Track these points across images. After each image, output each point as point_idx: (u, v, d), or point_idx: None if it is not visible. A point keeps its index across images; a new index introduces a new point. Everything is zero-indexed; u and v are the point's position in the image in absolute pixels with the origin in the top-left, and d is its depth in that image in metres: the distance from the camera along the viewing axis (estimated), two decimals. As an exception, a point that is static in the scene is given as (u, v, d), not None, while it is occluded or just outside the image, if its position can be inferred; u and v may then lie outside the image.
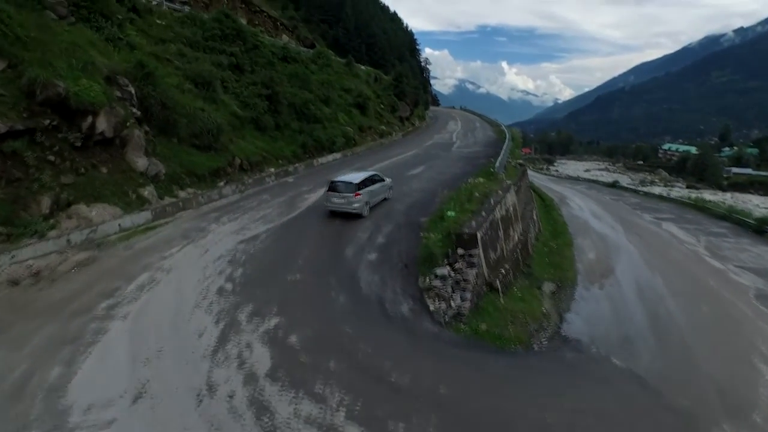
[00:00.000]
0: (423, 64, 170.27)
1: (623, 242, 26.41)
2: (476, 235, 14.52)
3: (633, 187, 64.43)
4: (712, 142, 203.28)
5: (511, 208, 19.80)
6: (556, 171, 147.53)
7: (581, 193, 52.59)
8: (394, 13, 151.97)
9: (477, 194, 19.08)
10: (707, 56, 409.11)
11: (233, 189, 22.24)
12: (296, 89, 34.38)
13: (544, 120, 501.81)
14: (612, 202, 44.46)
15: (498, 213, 17.48)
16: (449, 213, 17.21)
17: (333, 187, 17.83)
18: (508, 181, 21.54)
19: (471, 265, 14.11)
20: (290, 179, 24.55)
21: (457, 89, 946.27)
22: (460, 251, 14.52)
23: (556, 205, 38.47)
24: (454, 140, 40.62)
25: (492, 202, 17.80)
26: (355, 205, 17.58)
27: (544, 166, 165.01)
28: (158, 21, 27.28)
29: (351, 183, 17.73)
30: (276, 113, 30.04)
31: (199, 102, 23.43)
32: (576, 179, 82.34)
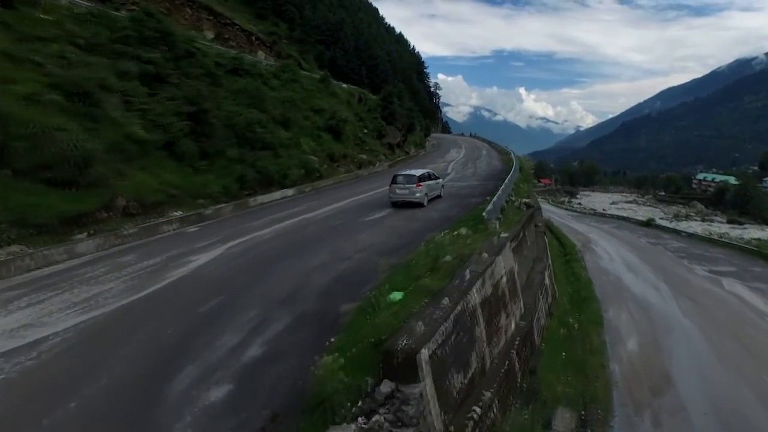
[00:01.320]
0: (433, 89, 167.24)
1: (675, 315, 19.36)
2: (416, 360, 7.80)
3: (671, 225, 56.91)
4: (750, 171, 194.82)
5: (504, 279, 13.06)
6: (579, 204, 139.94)
7: (609, 234, 45.60)
8: (400, 35, 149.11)
9: (448, 258, 12.45)
10: (739, 80, 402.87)
11: (98, 244, 15.86)
12: (243, 108, 28.46)
13: (566, 149, 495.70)
14: (649, 247, 37.32)
15: (476, 296, 10.76)
16: (393, 296, 10.61)
17: (398, 179, 20.89)
18: (504, 234, 14.88)
19: (401, 423, 7.36)
20: (193, 228, 18.10)
21: (472, 117, 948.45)
22: (385, 388, 7.81)
23: (578, 253, 31.61)
24: (449, 171, 34.21)
25: (468, 275, 11.12)
26: (417, 195, 20.45)
27: (566, 199, 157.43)
28: (43, 16, 21.61)
29: (413, 175, 21.01)
30: (203, 137, 23.93)
31: (65, 119, 17.32)
32: (602, 215, 75.09)
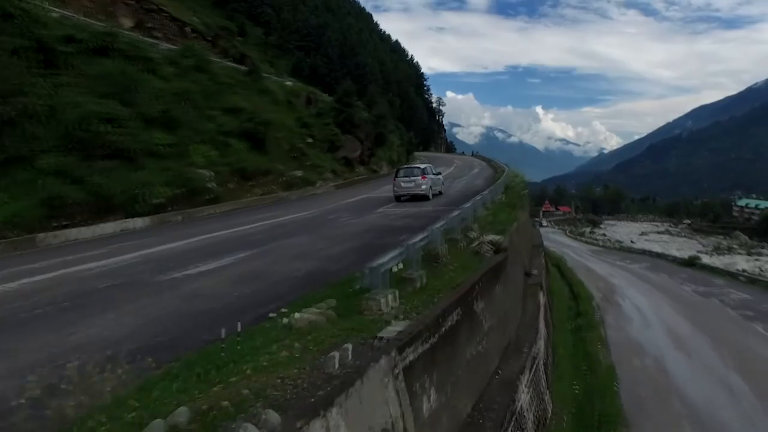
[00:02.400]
0: (435, 105, 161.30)
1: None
2: None
3: (723, 265, 47.79)
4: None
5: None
6: (603, 235, 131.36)
7: (641, 279, 36.94)
8: (396, 43, 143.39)
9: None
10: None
11: None
12: (91, 98, 20.63)
13: (588, 173, 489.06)
14: (699, 301, 28.34)
15: None
16: None
17: (401, 173, 22.68)
18: (393, 328, 6.54)
19: None
20: None
21: (484, 138, 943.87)
22: None
23: (596, 311, 23.13)
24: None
25: None
26: (423, 186, 22.02)
27: (587, 229, 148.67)
28: None
29: (418, 167, 23.44)
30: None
31: None
32: (630, 249, 66.15)
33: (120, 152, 19.92)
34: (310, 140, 31.32)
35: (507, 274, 12.37)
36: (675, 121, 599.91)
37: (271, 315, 7.23)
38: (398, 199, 22.05)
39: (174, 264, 11.20)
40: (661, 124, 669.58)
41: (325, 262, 10.97)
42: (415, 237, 9.54)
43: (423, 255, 9.68)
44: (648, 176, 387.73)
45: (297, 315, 7.12)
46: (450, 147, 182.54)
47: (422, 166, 23.78)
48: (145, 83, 24.14)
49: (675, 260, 49.37)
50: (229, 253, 12.15)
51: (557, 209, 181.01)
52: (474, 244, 11.91)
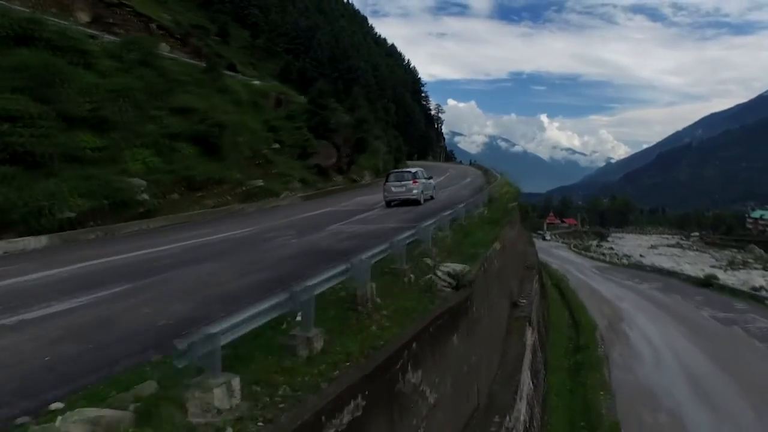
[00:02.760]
0: (434, 112, 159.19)
1: None
2: None
3: (738, 283, 44.61)
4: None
5: None
6: (611, 249, 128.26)
7: (652, 302, 33.87)
8: (393, 47, 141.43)
9: None
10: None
11: None
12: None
13: (595, 183, 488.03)
14: (721, 331, 25.05)
15: None
16: None
17: (391, 177, 22.65)
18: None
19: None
20: None
21: (487, 147, 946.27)
22: None
23: (599, 345, 20.11)
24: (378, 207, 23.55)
25: None
26: (414, 191, 21.89)
27: (594, 243, 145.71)
28: None
29: (409, 172, 23.34)
30: None
31: None
32: (640, 266, 62.90)
33: (24, 156, 17.07)
34: (277, 146, 28.48)
35: (473, 317, 9.42)
36: (684, 129, 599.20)
37: (21, 421, 4.33)
38: (389, 204, 22.00)
39: (15, 304, 8.30)
40: (670, 132, 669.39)
41: (213, 303, 8.05)
42: (321, 273, 6.63)
43: (335, 298, 6.79)
44: (657, 187, 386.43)
45: (71, 419, 4.21)
46: (450, 156, 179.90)
47: (413, 170, 23.81)
48: (74, 78, 21.36)
49: (689, 279, 46.13)
50: (99, 288, 9.23)
51: (562, 221, 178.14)
52: (426, 277, 8.98)
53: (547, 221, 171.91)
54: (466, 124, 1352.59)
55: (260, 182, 24.57)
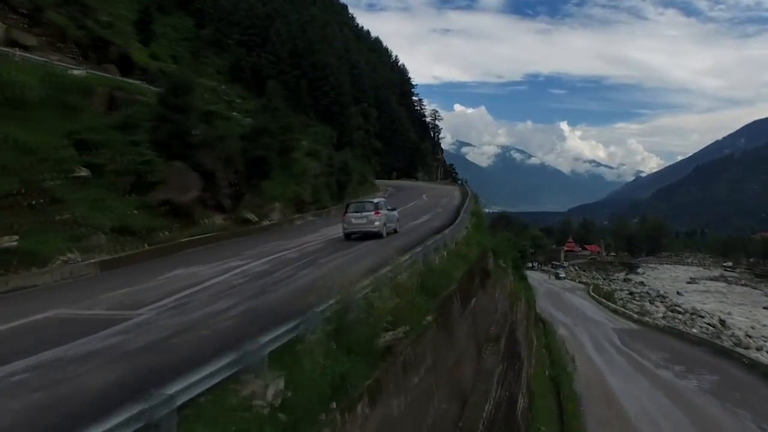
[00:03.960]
0: (429, 119, 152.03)
1: None
2: None
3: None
4: None
5: None
6: (641, 284, 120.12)
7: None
8: (377, 41, 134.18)
9: None
10: None
11: None
12: None
13: (623, 201, 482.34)
14: None
15: None
16: None
17: (351, 207, 23.52)
18: None
19: None
20: None
21: (499, 159, 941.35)
22: None
23: None
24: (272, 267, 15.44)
25: None
26: (376, 223, 22.72)
27: (622, 274, 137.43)
28: None
29: (371, 202, 24.07)
30: None
31: None
32: (679, 333, 53.01)
33: None
34: (85, 172, 19.60)
35: None
36: (725, 138, 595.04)
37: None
38: (348, 237, 23.01)
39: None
40: (709, 142, 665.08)
41: None
42: None
43: None
44: (694, 204, 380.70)
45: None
46: (450, 172, 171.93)
47: (375, 200, 25.11)
48: None
49: (760, 370, 36.16)
50: None
51: (583, 248, 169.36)
52: None
53: (565, 248, 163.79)
54: (476, 133, 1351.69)
55: (14, 240, 15.67)
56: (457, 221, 25.76)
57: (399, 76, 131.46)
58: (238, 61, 76.89)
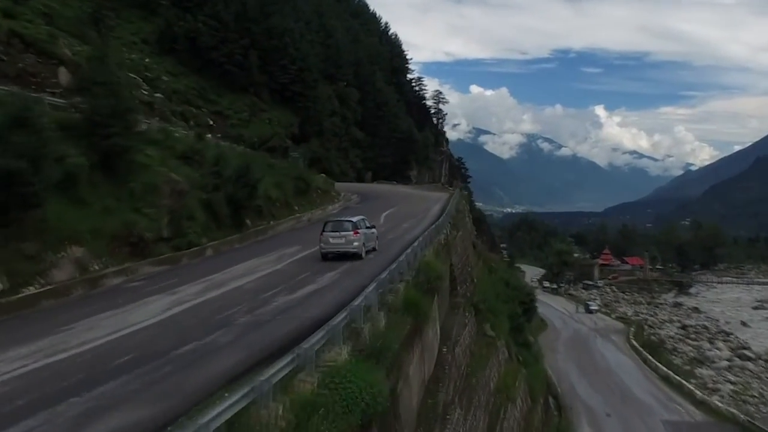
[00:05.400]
0: (432, 103, 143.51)
1: None
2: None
3: None
4: None
5: None
6: (695, 310, 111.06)
7: None
8: (362, 5, 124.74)
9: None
10: None
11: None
12: None
13: (669, 199, 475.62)
14: None
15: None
16: None
17: (329, 227, 25.26)
18: None
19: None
20: None
21: (524, 150, 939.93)
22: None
23: None
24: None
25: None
26: (355, 243, 24.51)
27: (671, 296, 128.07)
28: None
29: (349, 221, 25.65)
30: None
31: None
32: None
33: None
34: None
35: None
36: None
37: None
38: (325, 257, 24.60)
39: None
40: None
41: None
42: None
43: None
44: (754, 204, 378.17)
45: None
46: (457, 170, 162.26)
47: (354, 219, 26.37)
48: None
49: None
50: None
51: (622, 261, 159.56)
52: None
53: (600, 261, 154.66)
54: (496, 119, 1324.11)
55: None
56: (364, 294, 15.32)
57: (389, 48, 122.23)
58: (168, 28, 70.40)
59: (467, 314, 26.89)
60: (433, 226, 28.82)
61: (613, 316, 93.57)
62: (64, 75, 32.41)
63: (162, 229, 24.05)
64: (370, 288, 14.87)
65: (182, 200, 25.82)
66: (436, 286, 19.29)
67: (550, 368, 49.18)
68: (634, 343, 65.96)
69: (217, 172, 28.80)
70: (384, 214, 40.15)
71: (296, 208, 41.39)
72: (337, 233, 24.56)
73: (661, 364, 56.46)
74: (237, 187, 29.34)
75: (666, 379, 53.03)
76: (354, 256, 24.00)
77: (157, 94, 63.75)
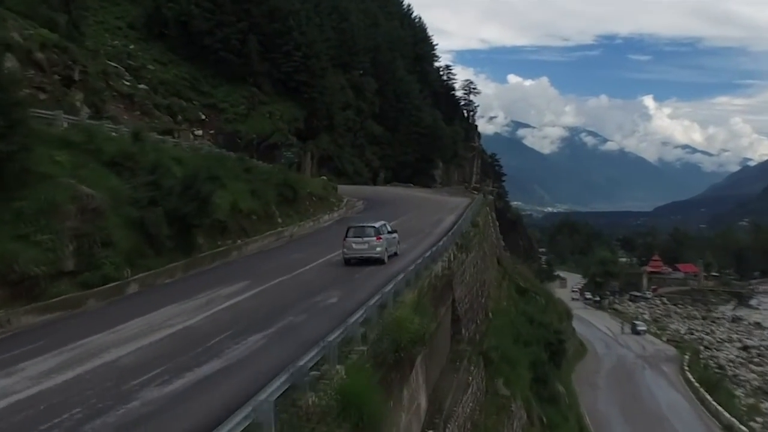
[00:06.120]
0: (463, 93, 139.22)
1: None
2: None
3: None
4: None
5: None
6: (758, 324, 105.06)
7: None
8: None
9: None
10: None
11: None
12: None
13: (726, 198, 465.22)
14: None
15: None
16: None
17: (351, 232, 27.04)
18: None
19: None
20: None
21: (566, 145, 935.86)
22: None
23: None
24: None
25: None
26: (378, 249, 26.35)
27: (729, 309, 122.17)
28: None
29: (372, 227, 27.17)
30: None
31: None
32: None
33: None
34: None
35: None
36: None
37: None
38: (348, 262, 26.53)
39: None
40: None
41: None
42: None
43: None
44: None
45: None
46: (490, 165, 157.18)
47: (377, 224, 27.81)
48: None
49: None
50: None
51: (674, 268, 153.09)
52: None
53: (649, 269, 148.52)
54: (535, 111, 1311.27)
55: None
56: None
57: (412, 33, 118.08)
58: (157, 10, 68.84)
59: (473, 368, 21.88)
60: (428, 253, 24.94)
61: (664, 337, 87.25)
62: (11, 62, 28.67)
63: (63, 261, 19.36)
64: (281, 379, 10.26)
65: (97, 221, 21.13)
66: (410, 355, 14.29)
67: (587, 412, 44.11)
68: (690, 376, 59.75)
69: (153, 183, 23.99)
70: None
71: (279, 220, 36.81)
72: (360, 239, 26.45)
73: (721, 407, 50.47)
74: (183, 201, 24.57)
75: (729, 430, 47.17)
76: (377, 261, 26.14)
77: (141, 86, 60.40)
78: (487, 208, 54.80)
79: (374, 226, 27.19)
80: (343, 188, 56.84)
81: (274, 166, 42.19)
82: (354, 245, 26.30)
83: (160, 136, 35.74)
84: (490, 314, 31.82)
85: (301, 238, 35.19)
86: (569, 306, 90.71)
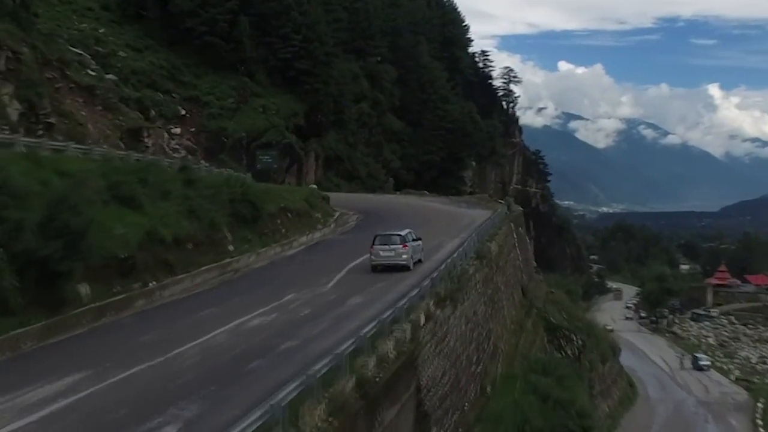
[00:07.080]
0: (504, 82, 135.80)
1: None
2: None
3: None
4: None
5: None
6: None
7: None
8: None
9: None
10: None
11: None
12: None
13: None
14: None
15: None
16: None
17: (378, 240, 30.52)
18: None
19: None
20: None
21: (622, 138, 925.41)
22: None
23: None
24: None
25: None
26: (404, 256, 30.09)
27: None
28: None
29: (399, 235, 30.89)
30: None
31: None
32: None
33: None
34: None
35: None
36: None
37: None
38: (375, 268, 29.90)
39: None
40: None
41: None
42: None
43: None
44: None
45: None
46: (533, 163, 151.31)
47: (402, 233, 31.18)
48: None
49: None
50: None
51: (743, 280, 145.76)
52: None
53: (714, 281, 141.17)
54: (589, 102, 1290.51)
55: None
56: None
57: (440, 13, 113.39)
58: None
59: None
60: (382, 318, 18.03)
61: (732, 374, 79.84)
62: None
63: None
64: None
65: None
66: None
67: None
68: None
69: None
70: (351, 265, 31.89)
71: (231, 248, 31.01)
72: (387, 246, 29.79)
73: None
74: (43, 239, 18.82)
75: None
76: (403, 268, 29.51)
77: (109, 75, 55.77)
78: (512, 225, 48.66)
79: (400, 235, 30.67)
80: (339, 198, 51.84)
81: (228, 176, 36.36)
82: (381, 252, 29.61)
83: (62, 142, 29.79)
84: (488, 388, 25.44)
85: (252, 273, 29.63)
86: (617, 334, 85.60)
